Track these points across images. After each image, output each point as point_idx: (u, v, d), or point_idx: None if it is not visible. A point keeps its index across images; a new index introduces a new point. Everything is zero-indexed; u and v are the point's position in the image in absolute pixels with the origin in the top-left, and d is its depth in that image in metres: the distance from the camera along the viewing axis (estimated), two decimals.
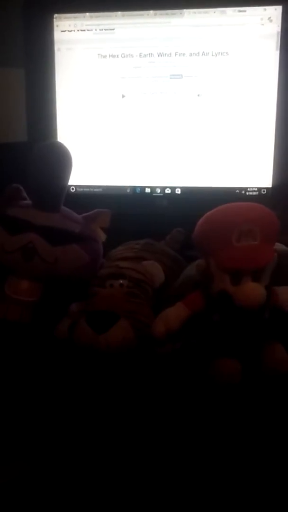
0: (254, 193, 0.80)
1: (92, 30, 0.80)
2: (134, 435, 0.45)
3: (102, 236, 0.63)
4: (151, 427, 0.46)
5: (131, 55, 0.80)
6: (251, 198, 0.80)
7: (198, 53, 0.78)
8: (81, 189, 0.84)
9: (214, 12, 0.76)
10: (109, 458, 0.43)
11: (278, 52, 0.76)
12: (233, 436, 0.45)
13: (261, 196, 0.80)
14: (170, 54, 0.78)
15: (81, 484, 0.40)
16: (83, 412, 0.48)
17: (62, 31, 0.81)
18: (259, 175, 0.80)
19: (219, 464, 0.42)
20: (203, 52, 0.78)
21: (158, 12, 0.78)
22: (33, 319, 0.60)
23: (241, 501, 0.39)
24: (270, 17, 0.75)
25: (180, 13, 0.77)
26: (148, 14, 0.78)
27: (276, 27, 0.75)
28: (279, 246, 0.63)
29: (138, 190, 0.83)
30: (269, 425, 0.46)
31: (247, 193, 0.81)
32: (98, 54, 0.80)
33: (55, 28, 0.81)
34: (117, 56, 0.80)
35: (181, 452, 0.43)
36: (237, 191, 0.81)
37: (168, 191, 0.83)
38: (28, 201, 0.62)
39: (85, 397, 0.50)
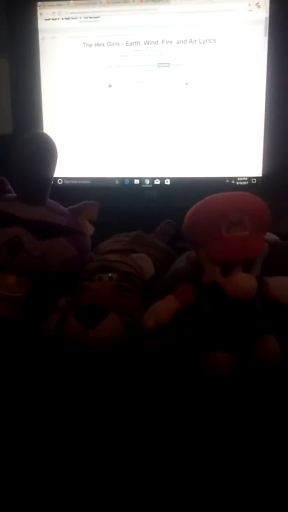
0: (244, 182, 0.80)
1: (76, 18, 0.79)
2: (126, 429, 0.45)
3: (90, 229, 0.62)
4: (143, 421, 0.45)
5: (117, 43, 0.78)
6: (241, 188, 0.79)
7: (186, 40, 0.76)
8: (69, 182, 0.83)
9: None
10: (100, 452, 0.42)
11: (266, 38, 0.75)
12: (224, 429, 0.44)
13: (251, 186, 0.79)
14: (157, 42, 0.77)
15: (73, 483, 0.40)
16: (73, 408, 0.47)
17: (46, 19, 0.79)
18: (249, 165, 0.79)
19: (211, 458, 0.41)
20: (191, 39, 0.76)
21: None
22: (21, 315, 0.59)
23: (237, 496, 0.38)
24: (258, 3, 0.74)
25: (167, 0, 0.76)
26: (134, 1, 0.77)
27: (264, 12, 0.74)
28: (270, 236, 0.62)
29: (126, 182, 0.82)
30: (261, 418, 0.46)
31: (237, 183, 0.80)
32: (83, 43, 0.79)
33: (39, 16, 0.79)
34: (103, 44, 0.78)
35: (174, 446, 0.43)
36: (227, 181, 0.80)
37: (157, 182, 0.82)
38: (13, 194, 0.60)
39: (75, 393, 0.49)
